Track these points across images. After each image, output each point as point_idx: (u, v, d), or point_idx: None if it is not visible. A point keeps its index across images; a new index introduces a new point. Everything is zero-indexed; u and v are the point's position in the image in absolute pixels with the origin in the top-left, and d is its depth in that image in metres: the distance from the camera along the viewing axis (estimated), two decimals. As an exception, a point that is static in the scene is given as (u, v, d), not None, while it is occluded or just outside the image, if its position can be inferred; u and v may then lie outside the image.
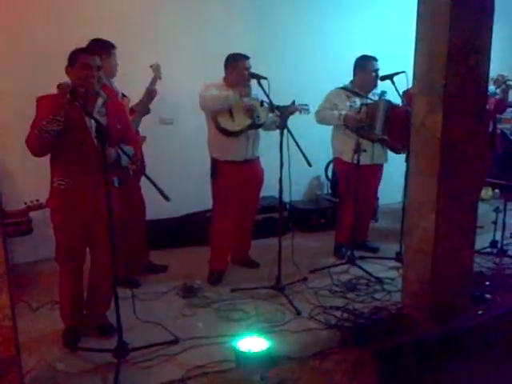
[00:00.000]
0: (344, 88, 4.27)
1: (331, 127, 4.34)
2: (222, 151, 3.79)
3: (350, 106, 4.14)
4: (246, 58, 3.74)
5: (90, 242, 3.02)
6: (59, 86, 2.61)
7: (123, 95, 3.66)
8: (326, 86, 4.31)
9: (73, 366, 2.78)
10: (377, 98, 4.22)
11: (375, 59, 4.21)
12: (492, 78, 4.39)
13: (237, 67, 3.72)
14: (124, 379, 2.64)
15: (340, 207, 4.52)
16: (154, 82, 3.81)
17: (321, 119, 4.21)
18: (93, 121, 2.71)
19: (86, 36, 3.39)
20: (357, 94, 4.23)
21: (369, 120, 3.99)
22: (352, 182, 4.07)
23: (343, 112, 4.08)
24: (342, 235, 4.44)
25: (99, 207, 2.81)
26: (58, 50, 2.93)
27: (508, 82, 4.41)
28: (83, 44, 3.08)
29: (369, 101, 4.18)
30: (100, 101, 2.85)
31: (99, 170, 2.67)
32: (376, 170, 4.36)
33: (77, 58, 2.77)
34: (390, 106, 4.05)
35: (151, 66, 3.81)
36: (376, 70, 4.19)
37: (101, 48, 3.40)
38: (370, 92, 4.28)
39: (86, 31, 3.56)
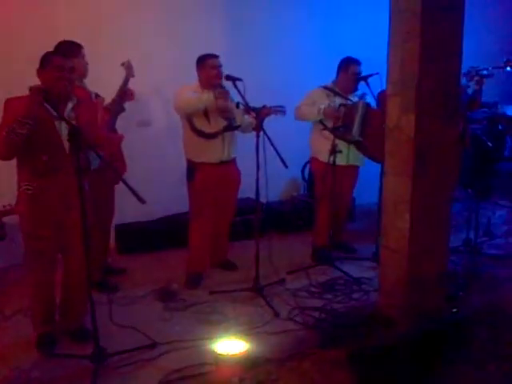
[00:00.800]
0: (325, 87, 4.29)
1: (309, 127, 4.37)
2: (198, 153, 3.78)
3: (329, 104, 4.15)
4: (214, 56, 3.74)
5: (62, 247, 2.97)
6: (32, 89, 2.58)
7: (97, 95, 3.61)
8: (302, 88, 4.33)
9: (48, 373, 2.73)
10: (357, 99, 4.24)
11: (358, 63, 4.23)
12: (463, 74, 4.45)
13: (205, 66, 3.73)
14: (101, 385, 2.61)
15: (316, 208, 4.50)
16: (126, 80, 3.76)
17: (300, 115, 4.22)
18: (63, 124, 2.69)
19: (57, 38, 3.35)
20: (337, 94, 4.25)
21: (346, 121, 4.02)
22: (327, 182, 4.09)
23: (322, 106, 4.10)
24: (319, 238, 4.38)
25: (70, 211, 2.79)
26: (28, 52, 2.89)
27: (480, 73, 4.45)
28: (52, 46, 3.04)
29: (348, 102, 4.20)
30: (70, 104, 2.81)
31: (69, 174, 2.67)
32: (351, 172, 4.38)
33: (49, 60, 2.73)
34: (369, 108, 4.08)
35: (122, 64, 3.76)
36: (356, 74, 4.21)
37: (70, 49, 3.37)
38: (350, 93, 4.30)
39: (58, 33, 3.52)
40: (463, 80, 4.42)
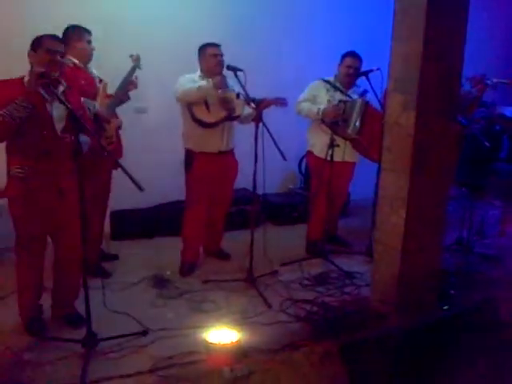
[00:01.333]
0: (325, 81, 4.27)
1: (308, 120, 4.35)
2: (197, 142, 3.77)
3: (328, 101, 4.14)
4: (215, 45, 3.73)
5: (53, 231, 2.95)
6: (31, 73, 2.56)
7: (100, 80, 3.65)
8: (305, 80, 4.32)
9: (40, 356, 2.74)
10: (356, 96, 4.21)
11: (354, 56, 4.18)
12: (468, 78, 4.47)
13: (206, 55, 3.72)
14: (92, 370, 2.62)
15: (311, 202, 4.51)
16: (132, 71, 3.74)
17: (299, 110, 4.21)
18: (54, 107, 2.69)
19: (52, 22, 3.34)
20: (337, 89, 4.23)
21: (344, 117, 4.02)
22: (323, 177, 4.09)
23: (322, 107, 4.09)
24: (313, 232, 4.40)
25: (64, 194, 2.80)
26: (18, 34, 2.85)
27: (486, 82, 4.47)
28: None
29: (348, 98, 4.17)
30: (61, 88, 2.77)
31: (60, 157, 2.70)
32: (346, 168, 4.36)
33: (41, 43, 2.69)
34: (368, 107, 4.07)
35: (131, 56, 3.75)
36: (349, 67, 4.16)
37: (72, 32, 3.50)
38: (350, 89, 4.28)
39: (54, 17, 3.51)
40: (467, 85, 4.44)
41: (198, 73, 3.77)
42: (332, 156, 3.99)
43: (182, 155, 3.88)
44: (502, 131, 6.15)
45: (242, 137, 3.88)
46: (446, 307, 2.99)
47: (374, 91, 4.08)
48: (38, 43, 2.71)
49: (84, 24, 3.57)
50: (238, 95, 3.65)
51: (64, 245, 2.97)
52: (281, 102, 3.71)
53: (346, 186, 4.57)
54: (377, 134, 3.59)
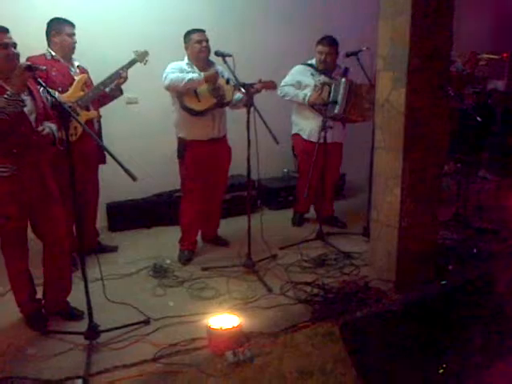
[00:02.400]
0: (309, 65, 4.30)
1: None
2: (189, 131, 3.76)
3: (315, 85, 4.17)
4: (199, 30, 3.71)
5: (41, 224, 2.91)
6: (19, 67, 2.54)
7: (82, 69, 3.71)
8: (292, 64, 4.32)
9: (43, 350, 2.76)
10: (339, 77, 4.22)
11: (324, 42, 4.21)
12: (460, 55, 4.48)
13: (190, 41, 3.71)
14: (96, 361, 2.64)
15: (298, 182, 4.67)
16: (128, 65, 3.69)
17: (283, 95, 4.27)
18: (29, 100, 2.70)
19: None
20: (321, 72, 4.25)
21: (331, 99, 4.06)
22: (317, 159, 4.09)
23: (308, 93, 4.15)
24: (299, 205, 4.70)
25: (47, 186, 2.82)
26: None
27: (477, 57, 4.48)
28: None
29: (332, 80, 4.18)
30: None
31: (40, 150, 2.74)
32: (336, 149, 4.42)
33: None
34: (352, 84, 4.09)
35: (135, 51, 3.71)
36: (321, 53, 4.21)
37: (51, 25, 3.55)
38: (333, 71, 4.30)
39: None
40: (458, 61, 4.45)
41: (186, 60, 3.75)
42: (325, 138, 4.00)
43: (174, 144, 3.87)
44: (494, 105, 6.14)
45: (235, 123, 3.87)
46: (444, 282, 3.01)
47: (364, 72, 4.08)
48: None
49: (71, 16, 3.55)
50: (227, 81, 3.63)
51: (51, 237, 2.93)
52: (270, 85, 3.72)
53: (338, 166, 4.61)
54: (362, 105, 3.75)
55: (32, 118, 2.74)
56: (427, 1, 2.92)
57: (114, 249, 4.15)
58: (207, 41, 3.71)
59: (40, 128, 2.76)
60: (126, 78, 3.72)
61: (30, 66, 2.55)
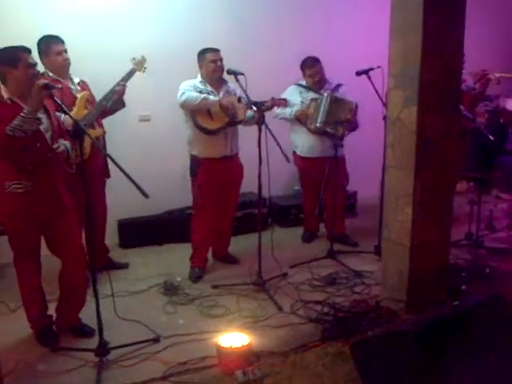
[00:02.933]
0: (299, 84, 4.43)
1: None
2: (202, 148, 3.79)
3: (302, 102, 4.29)
4: (214, 50, 3.75)
5: (58, 242, 2.93)
6: (37, 85, 2.58)
7: (83, 85, 3.72)
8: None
9: (53, 366, 2.76)
10: (327, 93, 4.26)
11: (309, 64, 4.33)
12: (471, 73, 4.48)
13: (205, 60, 3.74)
14: (106, 378, 2.64)
15: (302, 200, 4.85)
16: (128, 76, 3.71)
17: (275, 115, 4.33)
18: (45, 118, 2.75)
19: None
20: (310, 90, 4.37)
21: (315, 114, 4.20)
22: (307, 174, 4.44)
23: (294, 108, 4.27)
24: (306, 222, 4.83)
25: (62, 203, 2.85)
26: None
27: (487, 76, 4.48)
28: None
29: (319, 96, 4.28)
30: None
31: (54, 167, 2.79)
32: (330, 163, 4.22)
33: (20, 58, 2.66)
34: (335, 99, 4.18)
35: (133, 59, 3.73)
36: (312, 75, 4.33)
37: (41, 46, 3.53)
38: (322, 88, 4.37)
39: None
40: (469, 80, 4.46)
41: (199, 78, 3.79)
42: (336, 151, 4.12)
43: (186, 162, 3.89)
44: (506, 124, 6.12)
45: (246, 140, 3.89)
46: (456, 302, 2.97)
47: (374, 88, 4.09)
48: (15, 59, 2.65)
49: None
50: (239, 99, 3.66)
51: (67, 252, 2.95)
52: (281, 103, 3.77)
53: (337, 181, 4.40)
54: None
55: (48, 135, 2.79)
56: (438, 19, 2.93)
57: (124, 266, 4.16)
58: (221, 60, 3.74)
59: (55, 145, 2.80)
60: (124, 90, 3.70)
61: (47, 84, 2.59)
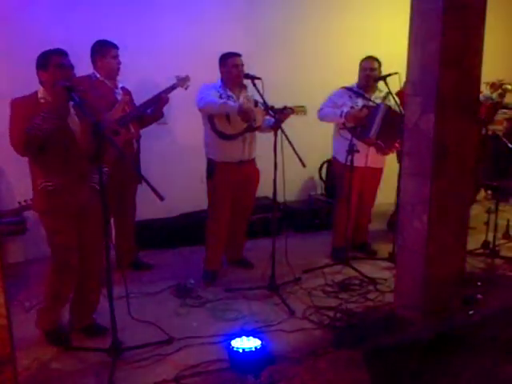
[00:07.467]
0: (348, 88, 4.27)
1: (330, 127, 4.37)
2: (219, 153, 3.80)
3: (351, 107, 4.12)
4: (236, 55, 3.75)
5: (83, 238, 2.95)
6: (57, 86, 2.61)
7: (125, 91, 3.86)
8: (323, 87, 4.34)
9: (67, 365, 2.79)
10: (379, 101, 4.19)
11: (371, 58, 4.20)
12: (488, 83, 4.44)
13: (227, 65, 3.75)
14: (118, 378, 2.65)
15: (334, 209, 4.52)
16: (169, 90, 3.81)
17: (322, 117, 4.21)
18: (72, 118, 2.78)
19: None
20: (360, 95, 4.22)
21: (367, 122, 4.01)
22: (345, 183, 4.07)
23: (345, 109, 4.08)
24: (337, 238, 4.41)
25: (89, 203, 2.86)
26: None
27: (504, 86, 4.45)
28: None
29: (371, 103, 4.16)
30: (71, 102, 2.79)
31: (84, 168, 2.81)
32: (372, 174, 4.31)
33: (50, 60, 2.70)
34: (391, 111, 4.04)
35: (177, 76, 3.83)
36: (368, 69, 4.17)
37: (96, 49, 3.71)
38: (373, 94, 4.27)
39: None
40: (487, 92, 4.42)
41: (219, 82, 3.80)
42: (352, 161, 3.97)
43: (203, 165, 3.91)
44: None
45: (262, 145, 3.89)
46: (471, 312, 2.94)
47: (391, 94, 4.08)
48: (46, 60, 2.70)
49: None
50: (256, 103, 3.66)
51: (90, 249, 2.98)
52: (300, 111, 3.73)
53: (372, 192, 4.49)
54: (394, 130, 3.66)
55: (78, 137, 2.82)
56: (457, 27, 2.92)
57: (149, 267, 4.21)
58: (243, 65, 3.75)
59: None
60: (167, 101, 3.85)
61: (67, 86, 2.62)
